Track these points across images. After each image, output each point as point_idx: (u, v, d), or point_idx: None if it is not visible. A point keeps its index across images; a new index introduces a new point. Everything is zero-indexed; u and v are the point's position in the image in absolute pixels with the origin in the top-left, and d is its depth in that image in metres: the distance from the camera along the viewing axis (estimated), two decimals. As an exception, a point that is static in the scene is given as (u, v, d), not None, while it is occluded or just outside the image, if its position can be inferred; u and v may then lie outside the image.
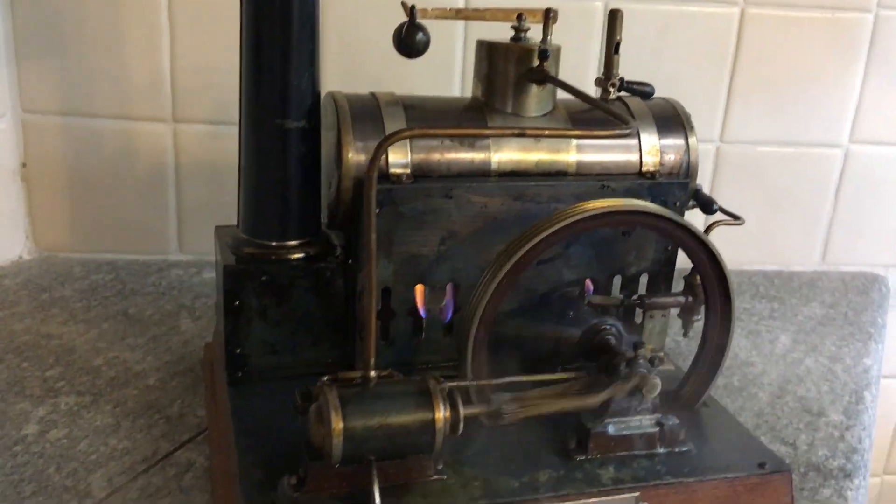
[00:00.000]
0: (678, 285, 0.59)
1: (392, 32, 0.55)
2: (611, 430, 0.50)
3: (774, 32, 0.86)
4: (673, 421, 0.52)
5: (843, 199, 0.95)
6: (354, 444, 0.43)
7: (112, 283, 0.79)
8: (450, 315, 0.59)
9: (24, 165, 0.82)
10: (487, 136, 0.56)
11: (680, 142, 0.62)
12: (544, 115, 0.58)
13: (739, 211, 0.94)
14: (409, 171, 0.55)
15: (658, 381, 0.50)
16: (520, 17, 0.58)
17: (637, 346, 0.51)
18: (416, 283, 0.57)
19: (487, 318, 0.50)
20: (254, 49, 0.53)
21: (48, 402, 0.60)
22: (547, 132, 0.54)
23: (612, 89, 0.61)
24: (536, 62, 0.56)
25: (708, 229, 0.59)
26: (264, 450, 0.49)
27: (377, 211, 0.48)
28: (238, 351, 0.56)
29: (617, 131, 0.48)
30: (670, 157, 0.61)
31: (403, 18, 0.56)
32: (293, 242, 0.56)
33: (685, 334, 0.59)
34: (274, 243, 0.56)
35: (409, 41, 0.56)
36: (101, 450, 0.56)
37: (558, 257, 0.58)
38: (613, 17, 0.60)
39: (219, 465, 0.54)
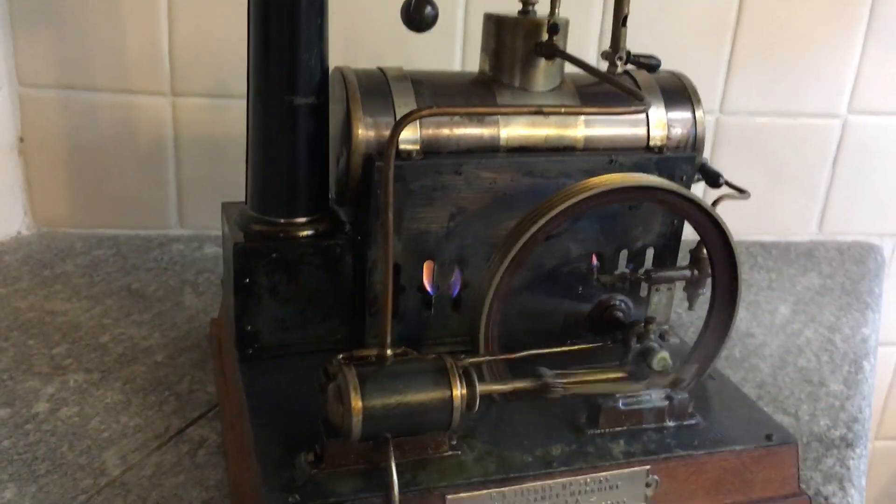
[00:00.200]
0: (683, 259, 0.60)
1: (398, 5, 0.55)
2: (621, 404, 0.51)
3: (775, 3, 0.86)
4: (681, 395, 0.52)
5: (841, 169, 0.95)
6: (373, 422, 0.43)
7: (114, 259, 0.79)
8: (457, 291, 0.59)
9: (21, 140, 0.81)
10: (506, 115, 0.55)
11: (687, 115, 0.62)
12: (552, 89, 0.58)
13: (738, 181, 0.94)
14: (418, 147, 0.55)
15: (667, 355, 0.50)
16: (527, -10, 0.58)
17: (648, 321, 0.51)
18: (426, 260, 0.57)
19: (500, 294, 0.50)
20: (262, 25, 0.52)
21: (57, 379, 0.61)
22: (564, 110, 0.54)
23: (619, 63, 0.61)
24: (545, 36, 0.56)
25: (714, 203, 0.59)
26: (279, 427, 0.49)
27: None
28: (248, 328, 0.56)
29: (633, 108, 0.48)
30: (677, 131, 0.61)
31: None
32: (302, 219, 0.56)
33: (690, 307, 0.60)
34: (282, 220, 0.56)
35: (418, 15, 0.55)
36: (113, 427, 0.56)
37: (565, 232, 0.58)
38: (621, -9, 0.59)
39: (232, 441, 0.54)
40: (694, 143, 0.62)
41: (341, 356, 0.46)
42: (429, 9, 0.55)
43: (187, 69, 0.80)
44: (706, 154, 0.93)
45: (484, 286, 0.50)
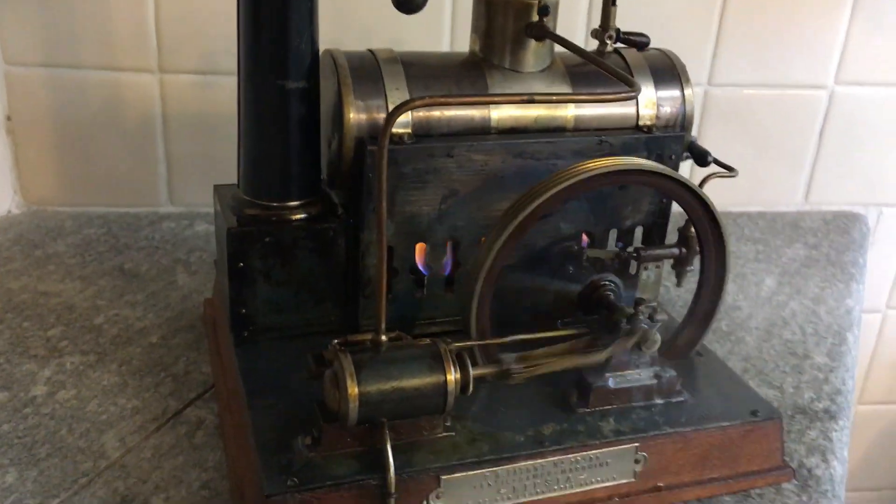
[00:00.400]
0: (671, 236, 0.60)
1: None
2: (611, 383, 0.52)
3: (764, -26, 0.86)
4: (669, 373, 0.54)
5: (827, 139, 0.96)
6: (369, 407, 0.44)
7: (105, 238, 0.79)
8: (448, 270, 0.60)
9: (8, 118, 0.80)
10: (498, 104, 0.55)
11: (676, 93, 0.62)
12: (542, 70, 0.58)
13: (726, 153, 0.95)
14: (410, 130, 0.55)
15: (658, 336, 0.51)
16: (517, -30, 0.57)
17: (638, 302, 0.52)
18: (418, 242, 0.57)
19: (491, 279, 0.51)
20: (252, 10, 0.52)
21: (53, 362, 0.61)
22: (555, 98, 0.54)
23: (609, 41, 0.61)
24: (535, 17, 0.56)
25: (703, 182, 0.60)
26: (276, 410, 0.50)
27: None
28: (243, 311, 0.56)
29: (623, 94, 0.48)
30: (666, 110, 0.62)
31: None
32: (294, 203, 0.57)
33: (679, 284, 0.61)
34: (275, 204, 0.56)
35: (407, -3, 0.56)
36: (110, 409, 0.57)
37: (556, 212, 0.59)
38: (611, -30, 0.59)
39: (229, 422, 0.55)
40: (683, 122, 0.62)
41: (336, 341, 0.47)
42: (418, -10, 0.55)
43: (174, 46, 0.80)
44: (695, 126, 0.93)
45: (473, 274, 0.51)
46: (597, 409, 0.52)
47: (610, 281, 0.56)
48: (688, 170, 0.66)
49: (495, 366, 0.48)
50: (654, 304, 0.61)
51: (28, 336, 0.64)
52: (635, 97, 0.52)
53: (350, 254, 0.57)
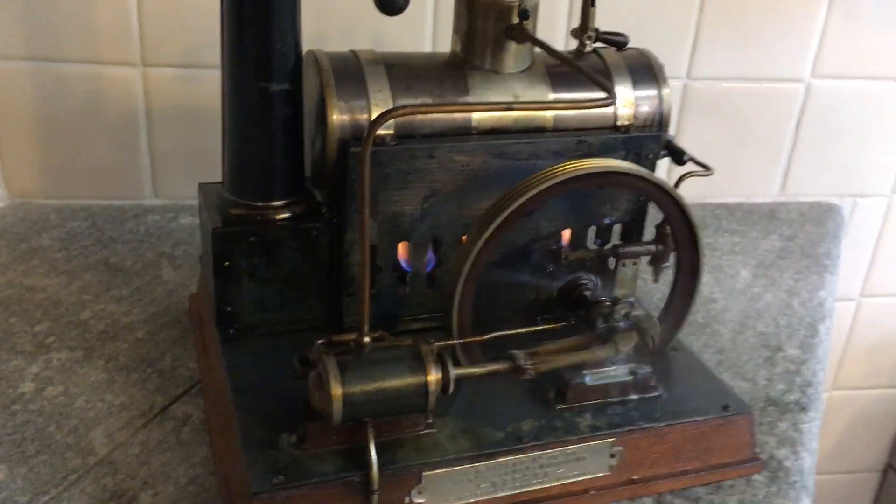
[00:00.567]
0: (650, 232, 0.62)
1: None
2: (588, 380, 0.54)
3: (743, -31, 0.87)
4: (645, 369, 0.55)
5: (804, 131, 0.97)
6: (353, 408, 0.45)
7: (89, 231, 0.80)
8: (431, 267, 0.61)
9: (-9, 112, 0.81)
10: (478, 111, 0.56)
11: (653, 93, 0.63)
12: (523, 71, 0.59)
13: (705, 145, 0.97)
14: (392, 132, 0.56)
15: (634, 334, 0.53)
16: (498, -28, 0.58)
17: (615, 301, 0.54)
18: (400, 240, 0.59)
19: (472, 279, 0.52)
20: (235, 12, 0.53)
21: (41, 358, 0.62)
22: (533, 106, 0.55)
23: (588, 42, 0.62)
24: (516, 20, 0.57)
25: (679, 180, 0.61)
26: (261, 407, 0.51)
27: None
28: (229, 309, 0.57)
29: (600, 102, 0.49)
30: (644, 109, 0.63)
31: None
32: (278, 202, 0.57)
33: (655, 280, 0.62)
34: (260, 204, 0.57)
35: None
36: (98, 406, 0.58)
37: (536, 210, 0.60)
38: (590, -29, 0.60)
39: (215, 418, 0.56)
40: (660, 121, 0.63)
41: (320, 342, 0.48)
42: (400, -7, 0.56)
43: (157, 40, 0.80)
44: (675, 118, 0.95)
45: (454, 274, 0.52)
46: (574, 405, 0.54)
47: (588, 279, 0.57)
48: (665, 168, 0.67)
49: (508, 362, 0.49)
50: (632, 298, 0.63)
51: (15, 332, 0.65)
52: (611, 104, 0.53)
53: (334, 252, 0.59)
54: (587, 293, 0.57)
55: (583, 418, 0.53)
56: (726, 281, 0.82)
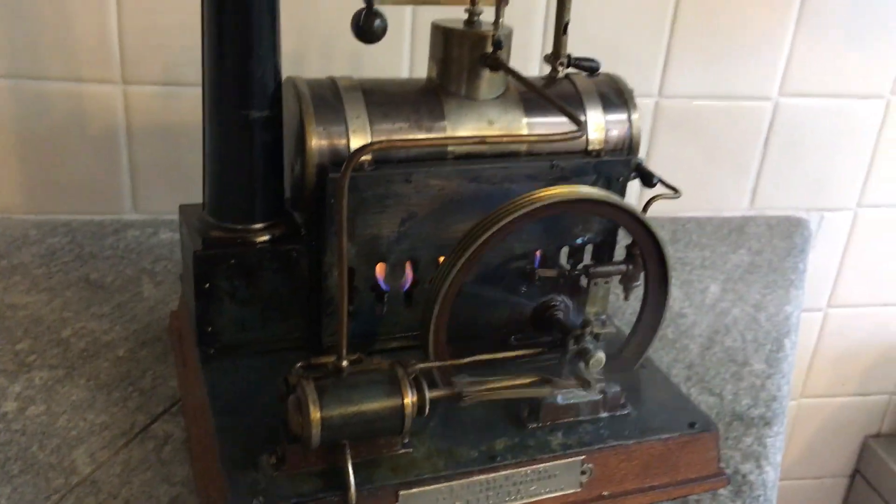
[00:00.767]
0: (620, 251, 0.64)
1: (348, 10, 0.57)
2: (559, 400, 0.56)
3: (712, -9, 0.90)
4: (614, 388, 0.57)
5: (772, 148, 1.00)
6: (331, 431, 0.47)
7: (70, 247, 0.80)
8: (407, 286, 0.62)
9: (-29, 129, 0.81)
10: (453, 145, 0.58)
11: (623, 117, 0.65)
12: (497, 97, 0.61)
13: (676, 160, 0.99)
14: (370, 157, 0.57)
15: (602, 356, 0.55)
16: (473, 1, 0.60)
17: (585, 323, 0.56)
18: (378, 262, 0.60)
19: (447, 303, 0.54)
20: (216, 42, 0.54)
21: (22, 377, 0.63)
22: (506, 139, 0.57)
23: (560, 68, 0.64)
24: (490, 49, 0.59)
25: (648, 203, 0.63)
26: (242, 427, 0.53)
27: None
28: (209, 329, 0.58)
29: (569, 135, 0.51)
30: (614, 133, 0.65)
31: (360, 5, 0.57)
32: (258, 225, 0.59)
33: (626, 298, 0.64)
34: (240, 226, 0.58)
35: (368, 27, 0.58)
36: (80, 425, 0.59)
37: (509, 234, 0.61)
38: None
39: (196, 437, 0.57)
40: (630, 145, 0.65)
41: (300, 365, 0.49)
42: (378, 21, 0.58)
43: (138, 57, 0.81)
44: (647, 135, 0.97)
45: (431, 299, 0.54)
46: (546, 424, 0.56)
47: (560, 301, 0.59)
48: (636, 189, 0.69)
49: (448, 388, 0.51)
50: (604, 316, 0.65)
51: (-4, 350, 0.66)
52: (580, 136, 0.55)
53: (313, 273, 0.60)
54: (559, 314, 0.59)
55: (554, 436, 0.55)
56: (696, 296, 0.84)
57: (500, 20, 0.60)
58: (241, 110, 0.55)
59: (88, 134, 0.83)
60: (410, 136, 0.59)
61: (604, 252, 0.66)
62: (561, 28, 0.62)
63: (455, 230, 0.59)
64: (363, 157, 0.57)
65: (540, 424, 0.55)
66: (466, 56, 0.59)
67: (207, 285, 0.57)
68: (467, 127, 0.60)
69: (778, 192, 1.03)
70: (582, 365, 0.55)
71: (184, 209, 0.62)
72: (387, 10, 0.58)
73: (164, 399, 0.62)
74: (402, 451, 0.52)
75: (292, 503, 0.48)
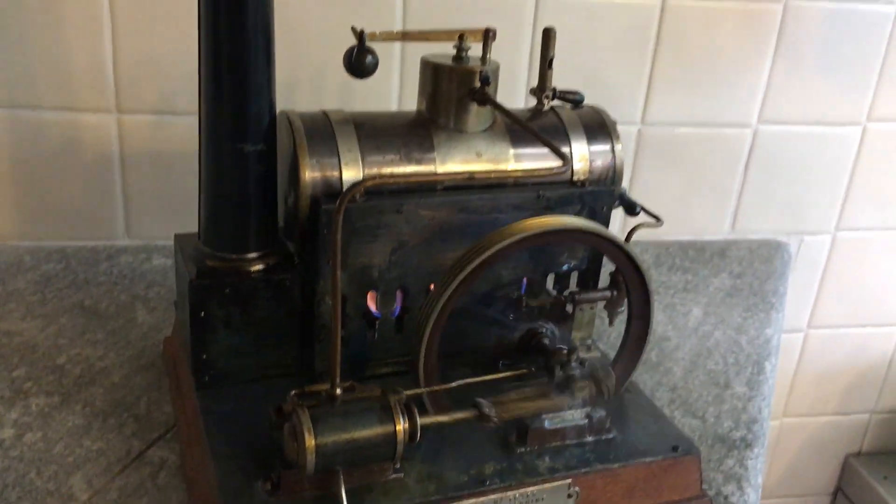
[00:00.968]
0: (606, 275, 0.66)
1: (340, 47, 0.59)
2: (547, 424, 0.57)
3: (692, 22, 0.92)
4: (600, 413, 0.59)
5: (752, 173, 1.02)
6: (325, 458, 0.48)
7: (64, 273, 0.81)
8: (398, 312, 0.64)
9: (-34, 157, 0.82)
10: (441, 182, 0.60)
11: (607, 148, 0.67)
12: (485, 129, 0.63)
13: (658, 186, 1.01)
14: (362, 189, 0.59)
15: (587, 382, 0.56)
16: (461, 37, 0.62)
17: (570, 350, 0.57)
18: (369, 290, 0.62)
19: (437, 330, 0.55)
20: (213, 79, 0.56)
21: (19, 404, 0.64)
22: (493, 175, 0.59)
23: (546, 100, 0.66)
24: (478, 84, 0.61)
25: (631, 232, 0.65)
26: (237, 453, 0.54)
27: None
28: (204, 357, 0.60)
29: (554, 170, 0.53)
30: (598, 164, 0.67)
31: (352, 41, 0.59)
32: (253, 255, 0.60)
33: (610, 324, 0.66)
34: (234, 256, 0.60)
35: (359, 63, 0.60)
36: (77, 451, 0.60)
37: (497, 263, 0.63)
38: (547, 35, 0.64)
39: (191, 463, 0.59)
40: (614, 175, 0.67)
41: (294, 393, 0.51)
42: (369, 58, 0.60)
43: (132, 86, 0.82)
44: (630, 162, 1.00)
45: (421, 327, 0.55)
46: (534, 448, 0.57)
47: (546, 328, 0.61)
48: (620, 217, 0.71)
49: (474, 410, 0.52)
50: (589, 341, 0.67)
51: (-7, 377, 0.67)
52: (565, 171, 0.57)
53: (306, 301, 0.61)
54: (546, 340, 0.60)
55: (542, 460, 0.56)
56: (679, 319, 0.86)
57: (488, 56, 0.62)
58: (237, 144, 0.57)
59: (83, 161, 0.84)
60: (401, 169, 0.61)
61: (589, 278, 0.68)
62: (546, 63, 0.65)
63: (444, 259, 0.61)
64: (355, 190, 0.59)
65: (528, 448, 0.57)
66: (455, 91, 0.61)
67: (203, 314, 0.59)
68: (456, 159, 0.62)
69: (758, 217, 1.05)
70: (568, 391, 0.56)
71: (179, 238, 0.64)
72: (377, 44, 0.60)
73: (159, 425, 0.63)
74: (394, 476, 0.53)
75: (287, 528, 0.49)
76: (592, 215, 0.64)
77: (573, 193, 0.64)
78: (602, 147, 0.67)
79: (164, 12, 0.80)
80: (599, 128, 0.67)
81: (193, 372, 0.60)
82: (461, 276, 0.55)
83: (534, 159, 0.64)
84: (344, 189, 0.59)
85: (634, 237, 0.63)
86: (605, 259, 0.66)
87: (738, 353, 0.81)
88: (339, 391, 0.50)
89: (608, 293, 0.65)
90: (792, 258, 1.05)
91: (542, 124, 0.65)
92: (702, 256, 1.00)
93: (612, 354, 0.65)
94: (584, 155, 0.66)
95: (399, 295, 0.63)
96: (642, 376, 0.75)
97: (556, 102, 0.66)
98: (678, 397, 0.73)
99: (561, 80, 0.66)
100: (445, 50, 0.62)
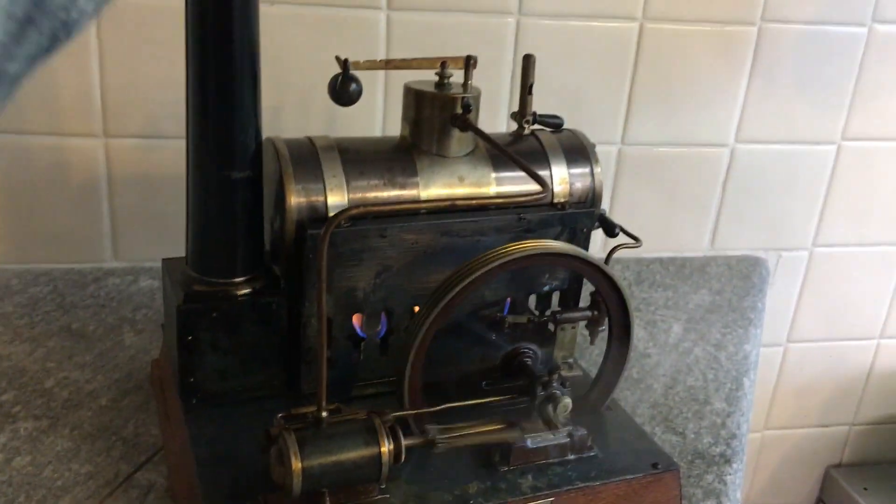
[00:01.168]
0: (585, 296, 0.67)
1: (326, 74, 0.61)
2: (529, 443, 0.58)
3: (670, 45, 0.94)
4: (581, 431, 0.60)
5: (730, 191, 1.04)
6: (312, 480, 0.49)
7: (51, 296, 0.82)
8: (382, 334, 0.65)
9: (-47, 181, 0.83)
10: (424, 210, 0.61)
11: (586, 170, 0.69)
12: (467, 154, 0.64)
13: (639, 204, 1.03)
14: (346, 216, 0.60)
15: (569, 401, 0.58)
16: (443, 64, 0.63)
17: (552, 371, 0.59)
18: (354, 312, 0.63)
19: (421, 354, 0.57)
20: (200, 108, 0.57)
21: (8, 428, 0.64)
22: (475, 203, 0.60)
23: (526, 125, 0.68)
24: (459, 110, 0.62)
25: (611, 253, 0.66)
26: (224, 476, 0.55)
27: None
28: (192, 380, 0.61)
29: (534, 197, 0.54)
30: (578, 186, 0.68)
31: (337, 69, 0.61)
32: (239, 279, 0.61)
33: (591, 343, 0.68)
34: (221, 280, 0.61)
35: (344, 92, 0.61)
36: (65, 475, 0.60)
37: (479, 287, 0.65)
38: (527, 62, 0.66)
39: (178, 486, 0.59)
40: (593, 197, 0.69)
41: (281, 416, 0.52)
42: (353, 85, 0.61)
43: (119, 111, 0.83)
44: (610, 181, 1.01)
45: (405, 351, 0.56)
46: (517, 466, 0.58)
47: (528, 349, 0.62)
48: (600, 237, 0.72)
49: (422, 436, 0.53)
50: (571, 360, 0.68)
51: (-19, 401, 0.67)
52: (544, 197, 0.58)
53: (292, 323, 0.62)
54: (528, 360, 0.62)
55: (525, 479, 0.58)
56: (660, 336, 0.87)
57: (469, 82, 0.64)
58: (223, 171, 0.58)
59: (70, 185, 0.85)
60: (385, 193, 0.62)
61: (570, 298, 0.69)
62: (526, 89, 0.66)
63: (428, 281, 0.62)
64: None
65: (511, 467, 0.58)
66: (437, 117, 0.63)
67: (190, 338, 0.60)
68: (439, 183, 0.63)
69: (737, 234, 1.07)
70: (550, 409, 0.58)
71: (167, 263, 0.65)
72: (361, 72, 0.62)
73: (147, 448, 0.64)
74: (379, 497, 0.54)
75: (275, 550, 0.50)
76: (573, 237, 0.66)
77: (554, 216, 0.66)
78: (581, 170, 0.68)
79: (151, 38, 0.81)
80: (579, 151, 0.69)
81: (181, 394, 0.61)
82: (444, 301, 0.56)
83: (515, 182, 0.66)
84: (329, 214, 0.60)
85: (616, 255, 0.64)
86: (584, 282, 0.68)
87: (717, 369, 0.83)
88: (325, 413, 0.51)
89: (589, 313, 0.66)
90: (770, 274, 1.07)
91: (523, 149, 0.67)
92: (682, 273, 1.01)
93: (593, 372, 0.66)
94: (563, 178, 0.67)
95: (384, 317, 0.64)
96: (623, 393, 0.76)
97: (536, 127, 0.68)
98: (658, 413, 0.75)
99: (542, 101, 0.67)
100: (428, 76, 0.64)
